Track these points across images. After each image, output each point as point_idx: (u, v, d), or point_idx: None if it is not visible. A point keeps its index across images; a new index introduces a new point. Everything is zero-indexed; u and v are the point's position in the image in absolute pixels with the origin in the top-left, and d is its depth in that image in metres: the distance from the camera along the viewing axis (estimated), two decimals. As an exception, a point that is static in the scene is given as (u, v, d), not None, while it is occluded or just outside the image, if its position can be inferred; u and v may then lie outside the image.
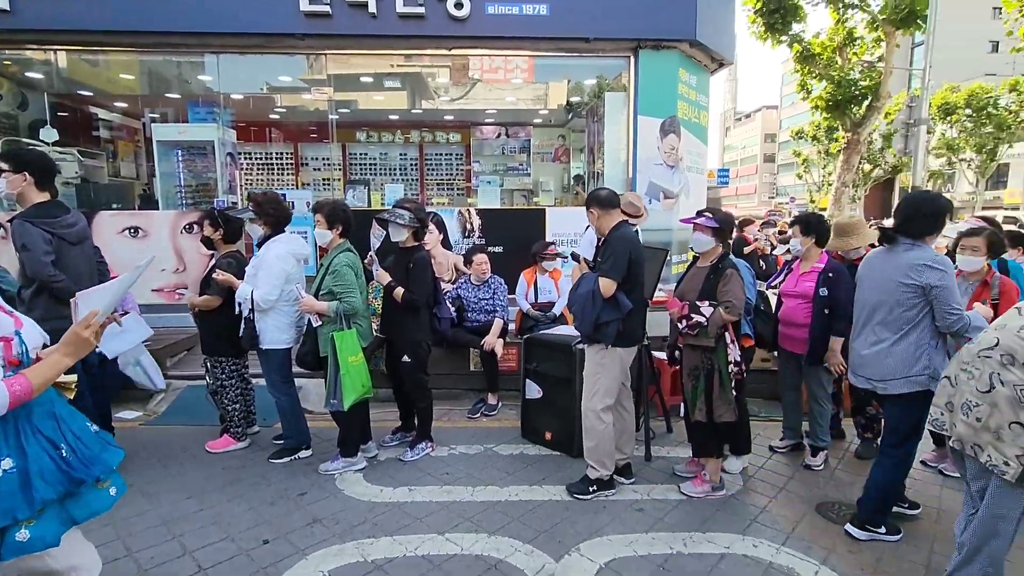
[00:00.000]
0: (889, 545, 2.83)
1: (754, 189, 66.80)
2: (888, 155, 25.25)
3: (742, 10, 11.93)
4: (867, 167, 26.76)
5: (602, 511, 3.13)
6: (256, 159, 9.17)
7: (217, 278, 3.53)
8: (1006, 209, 24.66)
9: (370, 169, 9.51)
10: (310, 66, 6.88)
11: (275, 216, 3.59)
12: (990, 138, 26.93)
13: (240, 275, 3.57)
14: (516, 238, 6.01)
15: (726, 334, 3.12)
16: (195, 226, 4.75)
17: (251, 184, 8.85)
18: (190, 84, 6.94)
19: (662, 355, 4.06)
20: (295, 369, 3.71)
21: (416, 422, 3.91)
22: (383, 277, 3.57)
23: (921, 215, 2.70)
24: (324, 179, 9.23)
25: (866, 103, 13.14)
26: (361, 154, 9.50)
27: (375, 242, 5.68)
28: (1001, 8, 8.61)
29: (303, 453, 3.74)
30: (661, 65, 6.01)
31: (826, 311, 3.49)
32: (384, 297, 3.70)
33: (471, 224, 6.28)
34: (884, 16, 11.87)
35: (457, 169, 9.70)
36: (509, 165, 9.51)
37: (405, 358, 3.64)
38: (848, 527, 2.92)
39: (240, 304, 3.51)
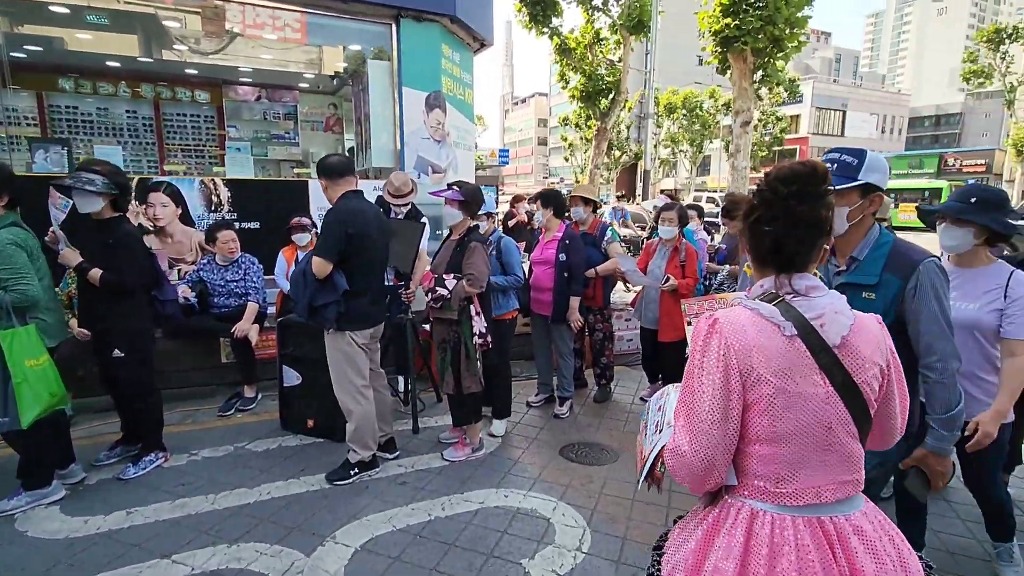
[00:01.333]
0: (612, 471, 3.33)
1: (531, 169, 72.74)
2: (632, 143, 29.90)
3: (510, -2, 12.58)
4: (617, 153, 31.22)
5: (364, 492, 3.06)
6: None
7: None
8: (710, 192, 31.30)
9: (83, 127, 7.60)
10: None
11: None
12: (698, 134, 33.81)
13: None
14: (275, 213, 5.44)
15: (471, 307, 3.23)
16: None
17: None
18: None
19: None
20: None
21: (143, 430, 3.30)
22: (70, 257, 2.87)
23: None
24: (9, 136, 7.10)
25: (611, 96, 15.17)
26: (68, 107, 7.53)
27: (57, 215, 4.55)
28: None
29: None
30: (424, 37, 5.97)
31: (565, 274, 3.92)
32: (78, 281, 2.99)
33: (218, 197, 5.49)
34: (621, 22, 13.75)
35: (208, 134, 8.35)
36: (274, 132, 8.57)
37: (117, 352, 3.01)
38: None
39: None
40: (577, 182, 37.19)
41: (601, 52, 15.22)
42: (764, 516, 1.15)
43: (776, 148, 33.70)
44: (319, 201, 5.74)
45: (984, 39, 27.39)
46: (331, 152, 3.48)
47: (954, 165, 32.67)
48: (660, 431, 1.34)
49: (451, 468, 3.34)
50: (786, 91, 28.67)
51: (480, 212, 3.49)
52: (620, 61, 14.89)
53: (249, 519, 2.77)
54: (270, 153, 8.45)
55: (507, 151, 25.12)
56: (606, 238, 4.25)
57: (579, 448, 3.66)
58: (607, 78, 15.07)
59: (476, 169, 9.33)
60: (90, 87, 7.58)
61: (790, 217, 1.17)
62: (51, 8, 5.92)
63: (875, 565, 1.12)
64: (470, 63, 7.09)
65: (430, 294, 3.15)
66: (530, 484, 3.18)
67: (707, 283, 4.90)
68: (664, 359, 4.35)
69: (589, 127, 24.35)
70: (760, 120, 29.78)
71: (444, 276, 3.16)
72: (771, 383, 1.12)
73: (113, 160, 5.39)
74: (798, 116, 39.22)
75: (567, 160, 39.70)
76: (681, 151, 36.29)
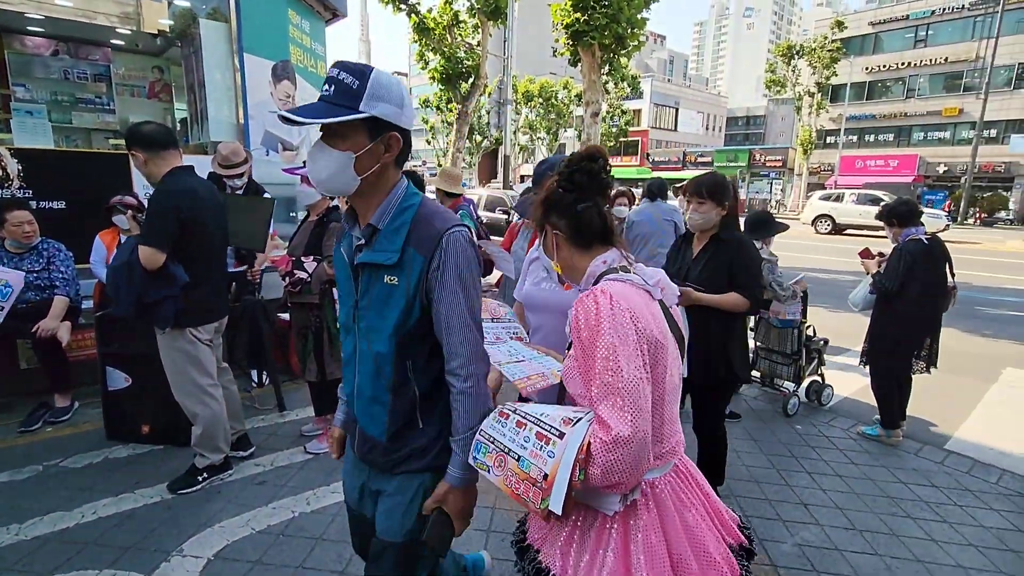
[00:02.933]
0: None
1: (392, 151, 70.39)
2: (492, 129, 30.42)
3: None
4: (478, 138, 31.56)
5: (216, 497, 2.80)
6: None
7: None
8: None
9: None
10: None
11: None
12: (554, 123, 35.46)
13: None
14: (87, 191, 4.63)
15: (333, 290, 3.10)
16: None
17: None
18: None
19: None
20: None
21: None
22: None
23: None
24: None
25: (471, 80, 15.23)
26: None
27: None
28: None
29: None
30: (266, 1, 5.45)
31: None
32: None
33: (5, 170, 4.52)
34: (479, 6, 13.81)
35: (-17, 92, 6.79)
36: (80, 96, 7.22)
37: None
38: None
39: None
40: (439, 165, 36.95)
41: (460, 35, 15.17)
42: (663, 480, 1.21)
43: (622, 139, 36.61)
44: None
45: (780, 54, 32.32)
46: (150, 120, 3.00)
47: (760, 160, 38.28)
48: (551, 441, 1.10)
49: (315, 461, 3.19)
50: (629, 86, 31.18)
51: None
52: (479, 45, 14.97)
53: (69, 546, 2.38)
54: (76, 121, 7.15)
55: (365, 131, 24.33)
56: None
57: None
58: (466, 61, 15.09)
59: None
60: None
61: (603, 191, 1.29)
62: None
63: (705, 489, 1.31)
64: (322, 34, 6.65)
65: (287, 278, 2.94)
66: (401, 468, 3.16)
67: None
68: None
69: (450, 110, 24.26)
70: (608, 112, 32.04)
71: (303, 259, 2.97)
72: (663, 345, 1.15)
73: None
74: (640, 110, 42.85)
75: (429, 143, 39.21)
76: (539, 138, 37.76)
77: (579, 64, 11.15)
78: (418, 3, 14.22)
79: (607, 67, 11.47)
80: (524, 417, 1.18)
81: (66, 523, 2.54)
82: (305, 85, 6.07)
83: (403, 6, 13.90)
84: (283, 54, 5.64)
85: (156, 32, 7.05)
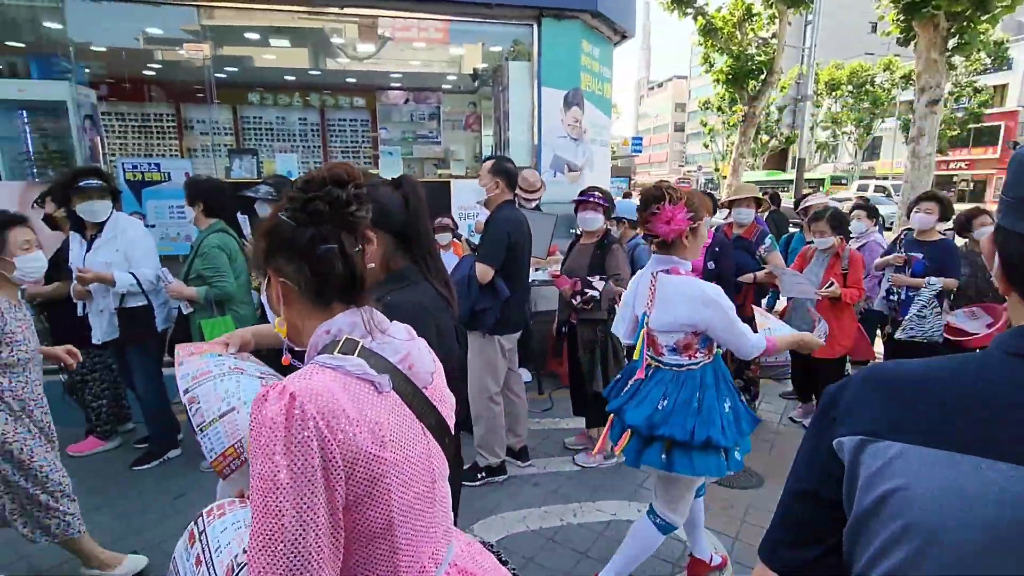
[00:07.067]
0: (757, 497, 3.09)
1: (666, 157, 69.64)
2: (783, 127, 27.17)
3: (650, -20, 12.05)
4: (764, 138, 28.63)
5: (497, 488, 3.18)
6: (131, 121, 8.18)
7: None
8: (878, 179, 27.33)
9: (266, 135, 8.79)
10: (199, 14, 6.14)
11: None
12: (867, 113, 29.60)
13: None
14: (420, 212, 5.82)
15: (616, 306, 3.22)
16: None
17: (123, 150, 7.91)
18: (39, 32, 5.98)
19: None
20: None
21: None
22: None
23: None
24: (213, 145, 8.44)
25: (762, 77, 13.90)
26: (255, 117, 8.74)
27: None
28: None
29: (172, 453, 3.47)
30: (564, 35, 5.94)
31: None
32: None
33: (373, 197, 6.00)
34: (778, -6, 12.49)
35: (363, 136, 9.20)
36: (419, 132, 9.16)
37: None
38: None
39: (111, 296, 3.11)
40: (717, 170, 34.83)
41: (752, 30, 13.98)
42: None
43: (972, 126, 28.28)
44: (460, 200, 6.04)
45: None
46: (501, 155, 3.66)
47: None
48: None
49: (582, 474, 3.34)
50: (990, 57, 23.94)
51: (618, 216, 3.56)
52: (774, 37, 13.56)
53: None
54: (415, 152, 9.05)
55: (640, 139, 24.11)
56: (764, 245, 3.89)
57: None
58: (758, 58, 13.83)
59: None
60: (272, 99, 8.73)
61: (353, 227, 0.91)
62: (245, 34, 6.88)
63: None
64: (610, 56, 6.93)
65: (577, 297, 3.15)
66: (665, 501, 3.06)
67: (895, 299, 3.95)
68: (818, 378, 3.91)
69: (734, 112, 22.62)
70: (951, 93, 25.21)
71: (590, 278, 3.16)
72: (385, 460, 0.84)
73: (289, 166, 6.19)
74: (1004, 86, 31.15)
75: (706, 147, 37.35)
76: (844, 133, 32.19)
77: (913, 42, 9.05)
78: (706, 3, 13.64)
79: (955, 40, 8.96)
80: (203, 551, 0.93)
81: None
82: (591, 108, 6.42)
83: (689, 9, 13.52)
84: (574, 82, 6.07)
85: (472, 71, 8.48)
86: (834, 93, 29.68)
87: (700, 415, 2.00)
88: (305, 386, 0.79)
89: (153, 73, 8.08)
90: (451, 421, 1.03)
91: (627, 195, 9.09)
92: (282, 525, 0.73)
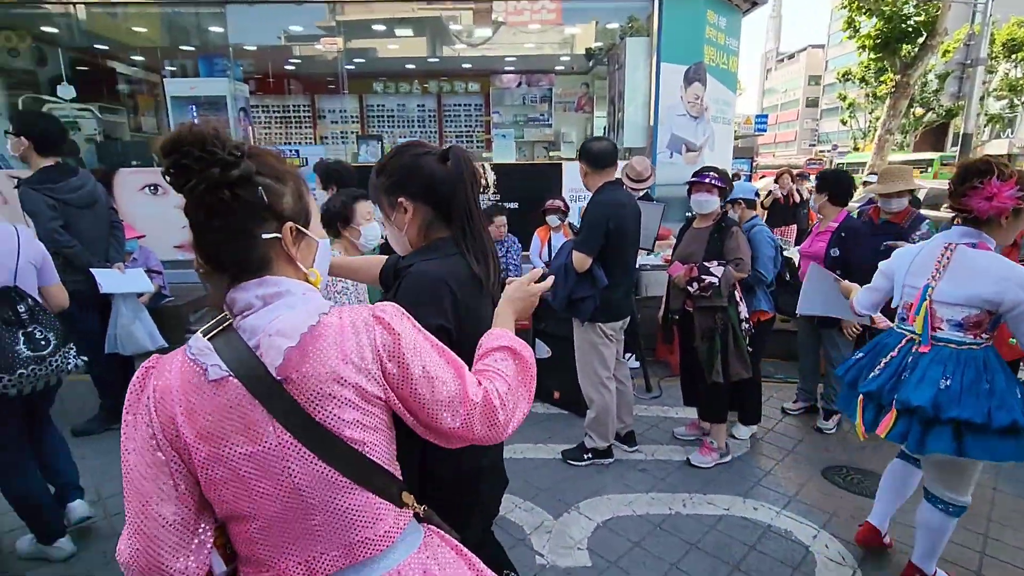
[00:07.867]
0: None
1: (794, 136, 63.62)
2: (943, 98, 23.56)
3: (785, -61, 10.96)
4: (919, 111, 25.12)
5: (604, 470, 3.16)
6: (274, 112, 9.09)
7: None
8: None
9: (388, 122, 9.34)
10: (331, 11, 6.66)
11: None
12: (1057, 78, 24.78)
13: None
14: (531, 194, 5.87)
15: (735, 292, 3.06)
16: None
17: (267, 139, 8.82)
18: (205, 36, 6.84)
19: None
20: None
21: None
22: None
23: None
24: (342, 132, 9.13)
25: (920, 41, 12.13)
26: (378, 105, 9.31)
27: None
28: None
29: None
30: (687, 6, 5.61)
31: (837, 272, 3.32)
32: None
33: (486, 181, 6.14)
34: (945, -59, 10.78)
35: (476, 121, 9.44)
36: (530, 116, 9.22)
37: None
38: None
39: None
40: (855, 149, 31.21)
41: (909, -14, 12.25)
42: None
43: None
44: (571, 183, 5.99)
45: None
46: (594, 136, 3.57)
47: None
48: None
49: (695, 468, 3.22)
50: None
51: (733, 198, 3.37)
52: (937, -8, 11.76)
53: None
54: (526, 135, 9.11)
55: (765, 117, 21.95)
56: (920, 231, 3.28)
57: (848, 473, 3.15)
58: (915, 18, 12.08)
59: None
60: (394, 87, 9.23)
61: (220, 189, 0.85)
62: (372, 26, 7.31)
63: None
64: (738, 27, 6.44)
65: (694, 284, 3.01)
66: (784, 502, 2.87)
67: None
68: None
69: (881, 82, 19.99)
70: None
71: (707, 264, 3.00)
72: (201, 450, 0.85)
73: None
74: None
75: (844, 123, 33.52)
76: (1022, 102, 27.28)
77: None
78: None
79: None
80: None
81: (506, 454, 3.32)
82: (714, 84, 6.03)
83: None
84: (697, 56, 5.73)
85: (585, 51, 8.31)
86: (1014, 56, 25.09)
87: (994, 397, 1.84)
88: (162, 360, 0.92)
89: (293, 68, 8.89)
90: (342, 418, 0.87)
91: (736, 176, 8.36)
92: (126, 462, 0.88)
